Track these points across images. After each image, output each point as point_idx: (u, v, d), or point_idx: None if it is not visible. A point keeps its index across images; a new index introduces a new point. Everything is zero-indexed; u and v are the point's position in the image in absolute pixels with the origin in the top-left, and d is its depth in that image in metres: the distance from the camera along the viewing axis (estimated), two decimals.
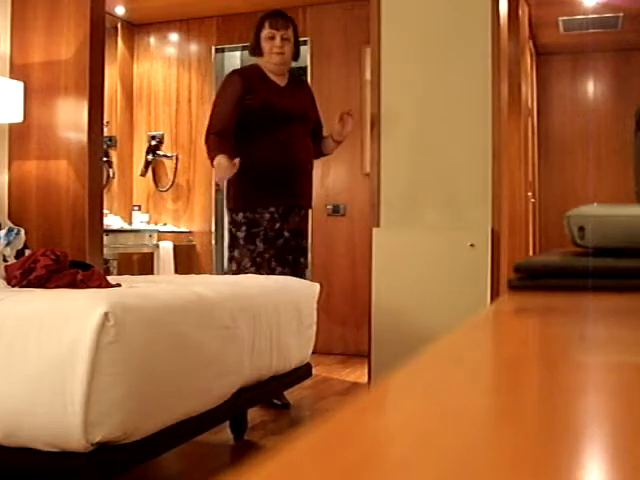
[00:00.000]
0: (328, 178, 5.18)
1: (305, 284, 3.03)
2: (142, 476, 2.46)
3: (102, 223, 3.90)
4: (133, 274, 4.65)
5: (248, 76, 3.48)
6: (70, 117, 3.75)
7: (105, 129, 4.48)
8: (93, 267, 2.77)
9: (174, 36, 5.76)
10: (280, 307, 2.71)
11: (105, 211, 4.39)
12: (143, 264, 5.43)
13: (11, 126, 3.83)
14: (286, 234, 3.42)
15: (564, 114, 7.40)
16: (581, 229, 0.86)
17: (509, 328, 0.62)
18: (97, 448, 1.76)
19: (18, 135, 3.83)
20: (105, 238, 4.17)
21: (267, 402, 3.33)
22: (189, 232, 5.65)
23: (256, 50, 3.55)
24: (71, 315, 1.80)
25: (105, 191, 4.84)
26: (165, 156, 5.69)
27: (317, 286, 3.12)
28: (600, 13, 6.00)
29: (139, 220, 5.54)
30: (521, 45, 5.11)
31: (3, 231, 3.37)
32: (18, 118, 3.73)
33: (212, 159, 3.34)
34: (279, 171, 3.40)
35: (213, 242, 5.65)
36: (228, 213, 3.51)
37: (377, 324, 3.45)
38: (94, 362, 1.75)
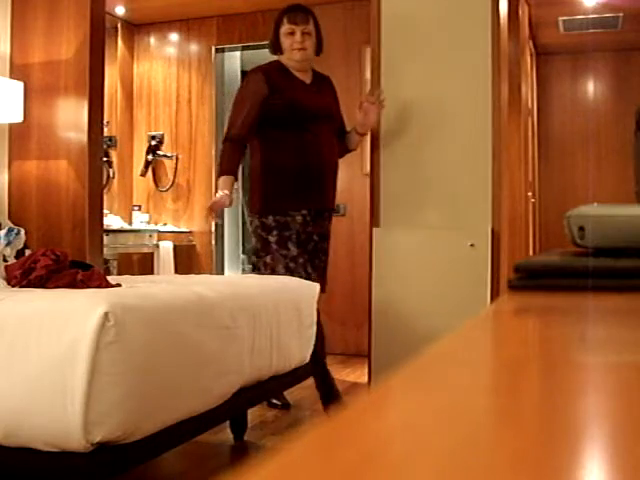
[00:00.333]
0: None
1: (305, 284, 3.03)
2: (142, 476, 2.46)
3: (102, 223, 3.90)
4: (133, 274, 4.65)
5: (272, 74, 3.31)
6: (70, 117, 3.75)
7: (105, 129, 4.48)
8: (93, 267, 2.77)
9: (174, 36, 5.76)
10: (280, 307, 2.71)
11: (105, 211, 4.39)
12: (143, 264, 5.43)
13: (11, 126, 3.83)
14: (315, 237, 3.31)
15: (564, 114, 7.40)
16: (581, 229, 0.86)
17: (509, 328, 0.62)
18: (97, 448, 1.76)
19: (18, 135, 3.83)
20: (105, 238, 4.17)
21: (267, 402, 3.31)
22: (189, 232, 5.65)
23: (276, 47, 3.42)
24: (71, 315, 1.80)
25: (105, 191, 4.84)
26: (165, 156, 5.69)
27: (317, 286, 3.11)
28: (600, 13, 6.00)
29: (139, 220, 5.54)
30: (521, 45, 5.11)
31: (3, 231, 3.37)
32: (18, 118, 3.73)
33: (220, 173, 3.29)
34: (308, 173, 3.26)
35: (213, 242, 5.65)
36: (255, 217, 3.31)
37: (377, 324, 3.45)
38: (94, 362, 1.75)
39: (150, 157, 5.69)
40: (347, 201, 5.13)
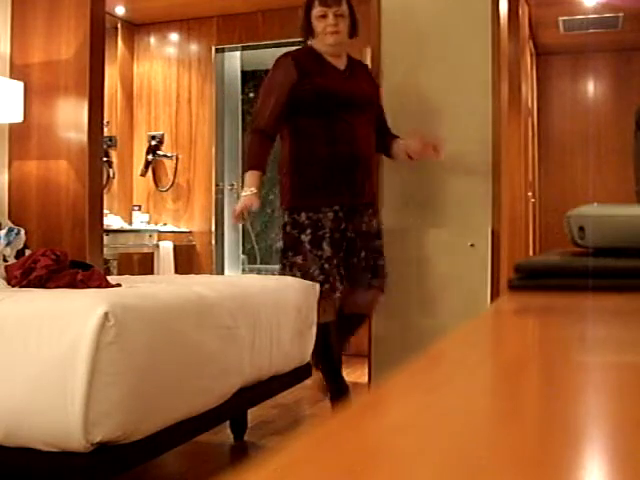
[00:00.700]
0: None
1: (305, 284, 3.03)
2: (142, 476, 2.46)
3: (102, 223, 3.90)
4: (133, 274, 4.65)
5: (302, 59, 3.08)
6: (70, 117, 3.75)
7: (105, 129, 4.48)
8: (93, 267, 2.77)
9: (174, 36, 5.76)
10: (280, 307, 2.71)
11: (105, 211, 4.39)
12: (143, 264, 5.43)
13: (11, 126, 3.83)
14: (350, 235, 3.05)
15: (564, 114, 7.40)
16: (581, 229, 0.86)
17: (509, 328, 0.62)
18: (97, 448, 1.76)
19: (18, 135, 3.83)
20: (105, 238, 4.17)
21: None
22: (189, 232, 5.65)
23: (307, 31, 3.14)
24: (71, 315, 1.80)
25: (105, 191, 4.84)
26: (165, 156, 5.69)
27: (317, 286, 3.11)
28: (600, 13, 6.00)
29: (139, 220, 5.54)
30: (521, 45, 5.11)
31: (3, 231, 3.37)
32: (18, 118, 3.73)
33: (247, 168, 3.07)
34: (339, 164, 3.01)
35: (213, 242, 5.65)
36: (286, 213, 3.07)
37: (377, 324, 3.45)
38: (94, 362, 1.75)
39: (150, 157, 5.69)
40: None
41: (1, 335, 1.84)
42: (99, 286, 2.45)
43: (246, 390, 2.46)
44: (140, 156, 5.73)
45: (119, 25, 5.64)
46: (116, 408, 1.77)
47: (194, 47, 5.71)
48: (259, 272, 7.21)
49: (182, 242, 5.56)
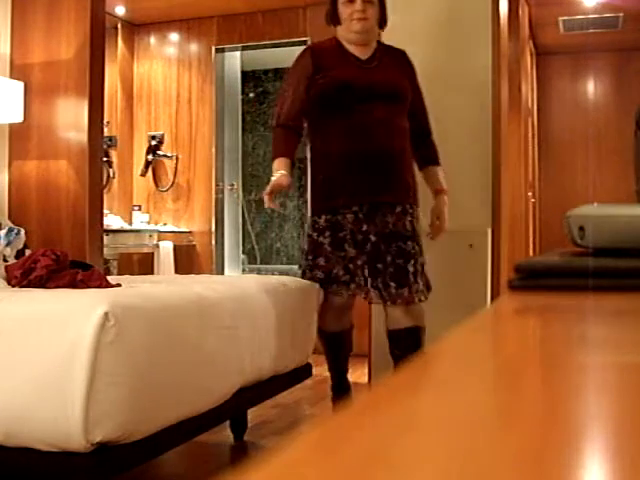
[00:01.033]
0: None
1: (305, 284, 3.03)
2: (142, 476, 2.46)
3: (102, 223, 3.90)
4: (133, 274, 4.65)
5: (320, 51, 2.90)
6: (70, 117, 3.75)
7: (105, 129, 4.48)
8: (93, 267, 2.77)
9: (174, 36, 5.77)
10: (280, 307, 2.71)
11: (105, 211, 4.39)
12: (143, 264, 5.43)
13: (11, 126, 3.83)
14: (372, 238, 2.77)
15: (564, 114, 7.40)
16: (581, 229, 0.86)
17: (509, 328, 0.62)
18: (97, 448, 1.76)
19: (18, 135, 3.83)
20: (105, 238, 4.17)
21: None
22: (189, 232, 5.65)
23: (333, 18, 2.93)
24: (71, 315, 1.80)
25: (105, 191, 4.84)
26: (165, 156, 5.70)
27: (317, 286, 3.11)
28: (600, 13, 6.00)
29: (139, 220, 5.55)
30: (521, 45, 5.11)
31: (3, 231, 3.37)
32: (18, 118, 3.73)
33: (273, 156, 2.87)
34: (358, 163, 2.78)
35: (213, 242, 5.65)
36: (309, 217, 2.95)
37: (377, 324, 3.45)
38: (94, 362, 1.75)
39: (150, 157, 5.69)
40: None
41: (1, 335, 1.84)
42: (99, 286, 2.45)
43: (246, 390, 2.46)
44: (140, 156, 5.74)
45: (119, 25, 5.64)
46: (116, 408, 1.77)
47: (194, 47, 5.72)
48: (259, 272, 7.21)
49: (182, 242, 5.56)
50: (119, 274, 4.44)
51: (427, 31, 3.46)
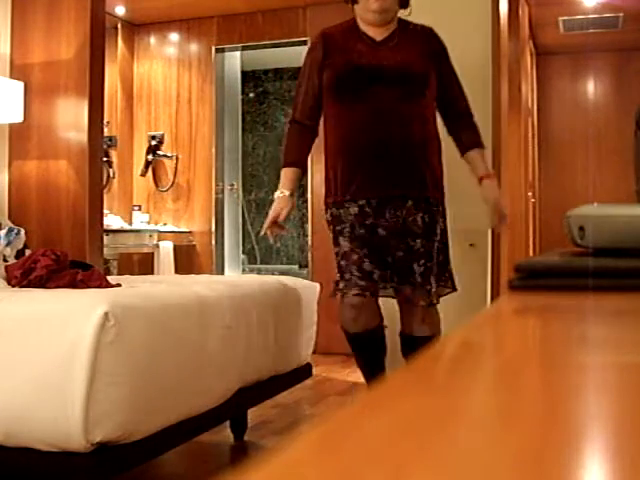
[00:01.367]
0: None
1: (305, 284, 3.03)
2: (142, 476, 2.46)
3: (102, 223, 3.90)
4: (133, 274, 4.65)
5: (332, 35, 2.67)
6: (70, 117, 3.75)
7: (105, 129, 4.48)
8: (93, 267, 2.77)
9: (174, 36, 5.77)
10: (280, 307, 2.71)
11: (105, 211, 4.39)
12: (143, 264, 5.44)
13: (11, 126, 3.83)
14: (381, 232, 2.54)
15: (564, 114, 7.40)
16: (581, 229, 0.86)
17: (509, 328, 0.62)
18: (97, 448, 1.76)
19: (18, 135, 3.83)
20: (105, 238, 4.17)
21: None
22: (189, 232, 5.65)
23: None
24: (71, 315, 1.80)
25: (105, 191, 4.84)
26: (165, 156, 5.70)
27: (317, 286, 3.11)
28: (600, 13, 6.00)
29: (139, 220, 5.55)
30: (521, 45, 5.11)
31: (3, 231, 3.37)
32: (18, 118, 3.74)
33: (283, 164, 2.70)
34: (365, 153, 2.56)
35: (213, 242, 5.65)
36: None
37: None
38: (94, 362, 1.75)
39: (150, 157, 5.69)
40: None
41: (1, 335, 1.84)
42: (99, 286, 2.45)
43: (246, 390, 2.46)
44: (140, 156, 5.74)
45: (119, 25, 5.64)
46: (116, 408, 1.77)
47: (194, 47, 5.72)
48: (259, 272, 7.21)
49: (182, 242, 5.56)
50: (119, 274, 4.44)
51: None
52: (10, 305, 1.92)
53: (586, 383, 0.39)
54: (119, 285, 2.50)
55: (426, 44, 2.68)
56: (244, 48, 5.73)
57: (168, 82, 5.75)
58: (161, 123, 5.74)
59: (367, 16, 2.64)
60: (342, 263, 2.57)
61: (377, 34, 2.65)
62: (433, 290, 2.56)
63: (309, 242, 5.34)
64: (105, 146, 4.95)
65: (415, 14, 3.54)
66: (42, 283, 2.48)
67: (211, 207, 5.63)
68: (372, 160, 2.55)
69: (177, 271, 5.32)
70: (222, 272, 5.72)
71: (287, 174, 2.67)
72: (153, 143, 5.69)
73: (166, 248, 5.33)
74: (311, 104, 2.66)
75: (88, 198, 3.68)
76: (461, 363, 0.45)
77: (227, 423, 2.81)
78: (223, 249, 5.81)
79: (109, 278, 2.63)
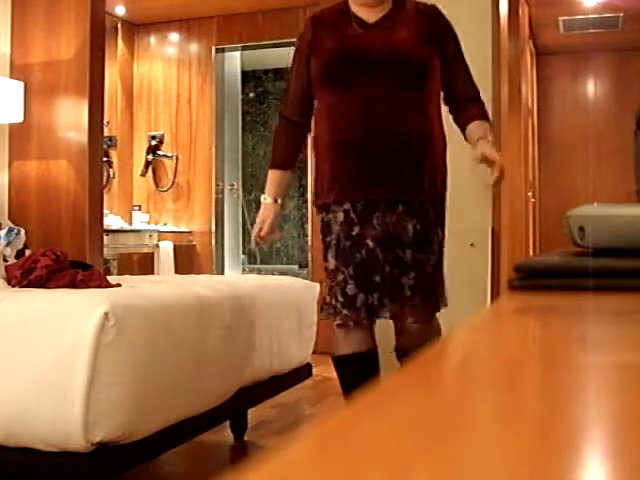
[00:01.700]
0: None
1: (305, 284, 3.03)
2: (142, 476, 2.46)
3: (102, 223, 3.90)
4: (133, 274, 4.65)
5: (321, 19, 2.36)
6: (70, 117, 3.75)
7: (105, 129, 4.48)
8: (93, 267, 2.77)
9: (174, 36, 5.77)
10: (280, 307, 2.71)
11: (105, 211, 4.39)
12: (143, 264, 5.44)
13: (11, 126, 3.83)
14: (370, 243, 2.19)
15: (564, 114, 7.40)
16: (581, 229, 0.86)
17: (509, 328, 0.62)
18: (97, 448, 1.76)
19: (18, 135, 3.83)
20: (105, 238, 4.17)
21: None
22: (189, 232, 5.65)
23: None
24: (71, 315, 1.80)
25: (105, 191, 4.84)
26: (165, 156, 5.70)
27: (317, 286, 3.11)
28: (600, 13, 6.01)
29: (139, 220, 5.55)
30: (521, 45, 5.11)
31: (3, 231, 3.37)
32: (18, 118, 3.73)
33: (271, 164, 2.45)
34: (350, 150, 2.24)
35: (213, 242, 5.65)
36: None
37: (377, 324, 3.44)
38: (94, 362, 1.75)
39: (150, 157, 5.69)
40: None
41: (1, 335, 1.84)
42: (99, 286, 2.45)
43: (246, 390, 2.46)
44: (140, 156, 5.74)
45: (119, 25, 5.64)
46: (116, 408, 1.77)
47: (194, 47, 5.72)
48: (259, 272, 7.21)
49: (182, 242, 5.56)
50: (119, 274, 4.45)
51: None
52: (10, 305, 1.92)
53: (586, 383, 0.39)
54: (119, 285, 2.50)
55: (426, 25, 2.30)
56: (244, 48, 5.73)
57: (168, 82, 5.75)
58: (161, 123, 5.74)
59: None
60: (329, 283, 2.29)
61: (369, 16, 2.31)
62: (423, 307, 2.26)
63: (309, 242, 5.34)
64: (105, 146, 4.95)
65: None
66: (42, 283, 2.48)
67: (211, 207, 5.63)
68: (358, 157, 2.23)
69: (177, 271, 5.32)
70: (222, 272, 5.72)
71: (273, 177, 2.42)
72: (153, 143, 5.69)
73: (166, 248, 5.33)
74: (300, 97, 2.37)
75: (88, 198, 3.68)
76: (461, 363, 0.45)
77: (227, 423, 2.81)
78: (223, 249, 5.81)
79: (109, 278, 2.63)
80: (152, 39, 5.80)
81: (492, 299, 3.29)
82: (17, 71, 3.83)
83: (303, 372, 3.00)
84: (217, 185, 5.68)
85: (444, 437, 0.28)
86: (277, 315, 2.67)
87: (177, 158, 5.67)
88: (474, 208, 3.38)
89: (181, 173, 5.69)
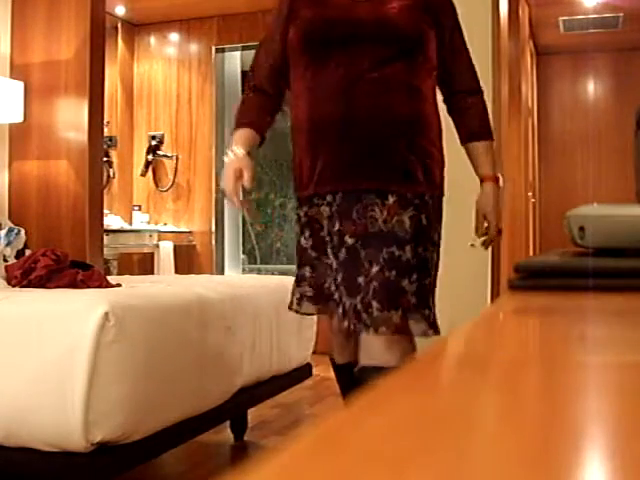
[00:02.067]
0: None
1: None
2: (142, 476, 2.46)
3: (102, 223, 3.90)
4: (133, 274, 4.65)
5: None
6: (70, 117, 3.75)
7: (105, 129, 4.48)
8: (93, 267, 2.77)
9: (174, 36, 5.77)
10: (280, 307, 2.71)
11: (105, 211, 4.39)
12: (143, 264, 5.44)
13: (11, 126, 3.83)
14: (349, 240, 1.91)
15: (564, 114, 7.40)
16: (581, 229, 0.86)
17: (509, 328, 0.62)
18: (97, 448, 1.76)
19: (18, 135, 3.83)
20: (105, 238, 4.17)
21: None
22: (189, 232, 5.65)
23: None
24: (71, 315, 1.80)
25: (105, 191, 4.84)
26: (165, 156, 5.70)
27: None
28: (600, 13, 6.00)
29: (139, 220, 5.55)
30: (521, 45, 5.11)
31: (3, 231, 3.37)
32: (18, 118, 3.73)
33: (235, 125, 2.13)
34: (329, 132, 1.94)
35: (213, 242, 5.65)
36: (295, 211, 2.15)
37: None
38: (94, 362, 1.75)
39: (150, 157, 5.69)
40: None
41: (1, 335, 1.84)
42: (99, 286, 2.45)
43: (246, 390, 2.46)
44: (140, 156, 5.74)
45: (119, 25, 5.64)
46: (116, 408, 1.77)
47: (194, 47, 5.72)
48: (259, 272, 7.21)
49: (182, 242, 5.56)
50: (119, 274, 4.45)
51: None
52: (10, 305, 1.92)
53: (586, 383, 0.39)
54: (119, 285, 2.50)
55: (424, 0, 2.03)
56: (244, 48, 5.73)
57: (168, 82, 5.75)
58: (161, 123, 5.74)
59: None
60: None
61: None
62: (432, 315, 1.99)
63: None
64: (105, 146, 4.95)
65: None
66: (42, 283, 2.48)
67: (211, 207, 5.63)
68: (336, 140, 1.93)
69: (177, 271, 5.32)
70: (222, 272, 5.72)
71: (241, 133, 2.07)
72: (153, 143, 5.69)
73: (166, 248, 5.33)
74: (270, 66, 2.12)
75: (88, 198, 3.68)
76: (461, 363, 0.45)
77: (227, 423, 2.81)
78: (223, 249, 5.81)
79: (109, 278, 2.63)
80: (152, 39, 5.80)
81: (492, 299, 3.29)
82: (17, 71, 3.83)
83: (303, 372, 3.00)
84: (217, 185, 5.68)
85: (444, 437, 0.28)
86: (277, 315, 2.67)
87: (177, 158, 5.67)
88: (474, 208, 3.37)
89: (181, 173, 5.69)
